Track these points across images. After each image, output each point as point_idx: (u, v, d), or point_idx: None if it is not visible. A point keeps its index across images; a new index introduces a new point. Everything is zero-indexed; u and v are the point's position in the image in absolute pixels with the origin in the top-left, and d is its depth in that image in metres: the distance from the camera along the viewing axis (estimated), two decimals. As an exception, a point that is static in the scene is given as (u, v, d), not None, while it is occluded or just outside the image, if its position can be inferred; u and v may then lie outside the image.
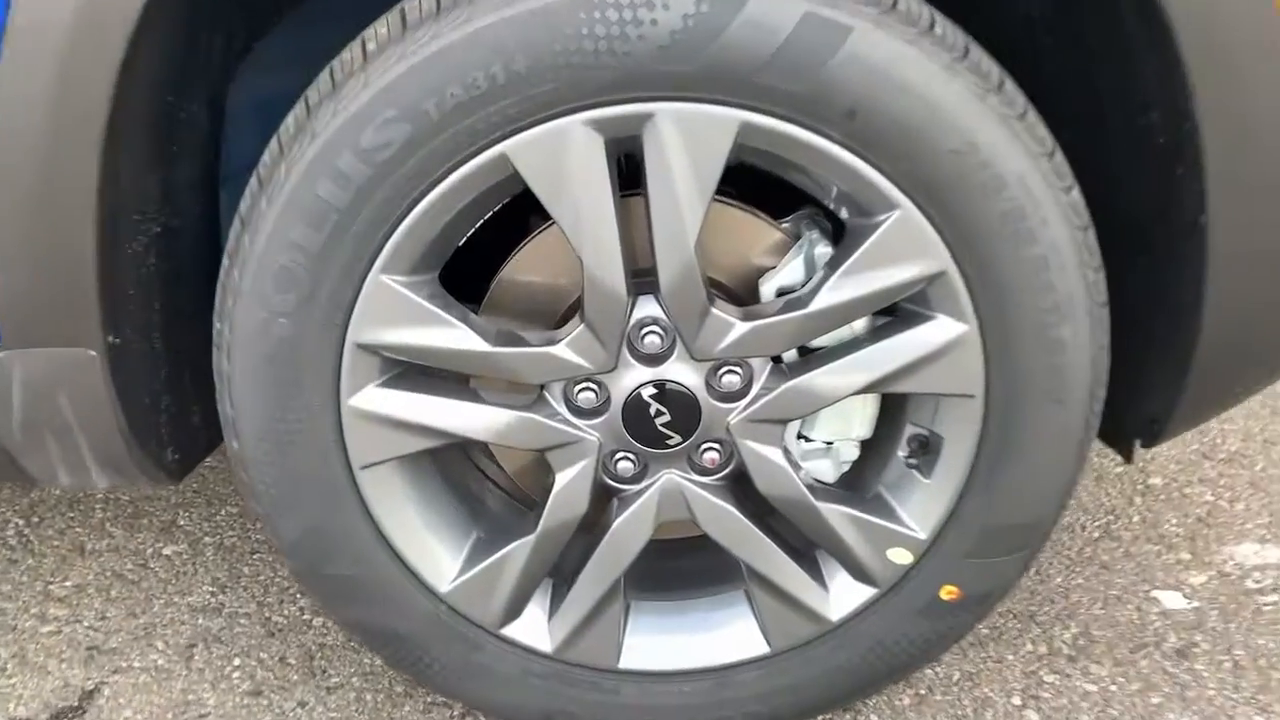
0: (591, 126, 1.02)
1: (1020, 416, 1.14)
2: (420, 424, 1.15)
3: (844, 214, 1.11)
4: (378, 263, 1.07)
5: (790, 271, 1.16)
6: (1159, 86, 1.07)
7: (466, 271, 1.23)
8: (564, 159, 1.03)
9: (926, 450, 1.21)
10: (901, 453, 1.23)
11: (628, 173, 1.10)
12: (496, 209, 1.13)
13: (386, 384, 1.14)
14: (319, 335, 1.09)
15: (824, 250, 1.16)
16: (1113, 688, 1.42)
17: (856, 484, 1.27)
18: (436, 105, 1.00)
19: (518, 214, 1.20)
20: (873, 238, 1.07)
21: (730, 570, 1.29)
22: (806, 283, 1.15)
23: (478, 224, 1.14)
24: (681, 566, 1.35)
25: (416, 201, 1.04)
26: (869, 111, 1.00)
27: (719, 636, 1.30)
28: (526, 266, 1.21)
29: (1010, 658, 1.48)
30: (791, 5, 0.97)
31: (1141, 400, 1.27)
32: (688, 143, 1.02)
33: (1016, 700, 1.41)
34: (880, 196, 1.05)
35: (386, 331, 1.10)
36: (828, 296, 1.09)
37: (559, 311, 1.23)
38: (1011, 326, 1.10)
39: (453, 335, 1.11)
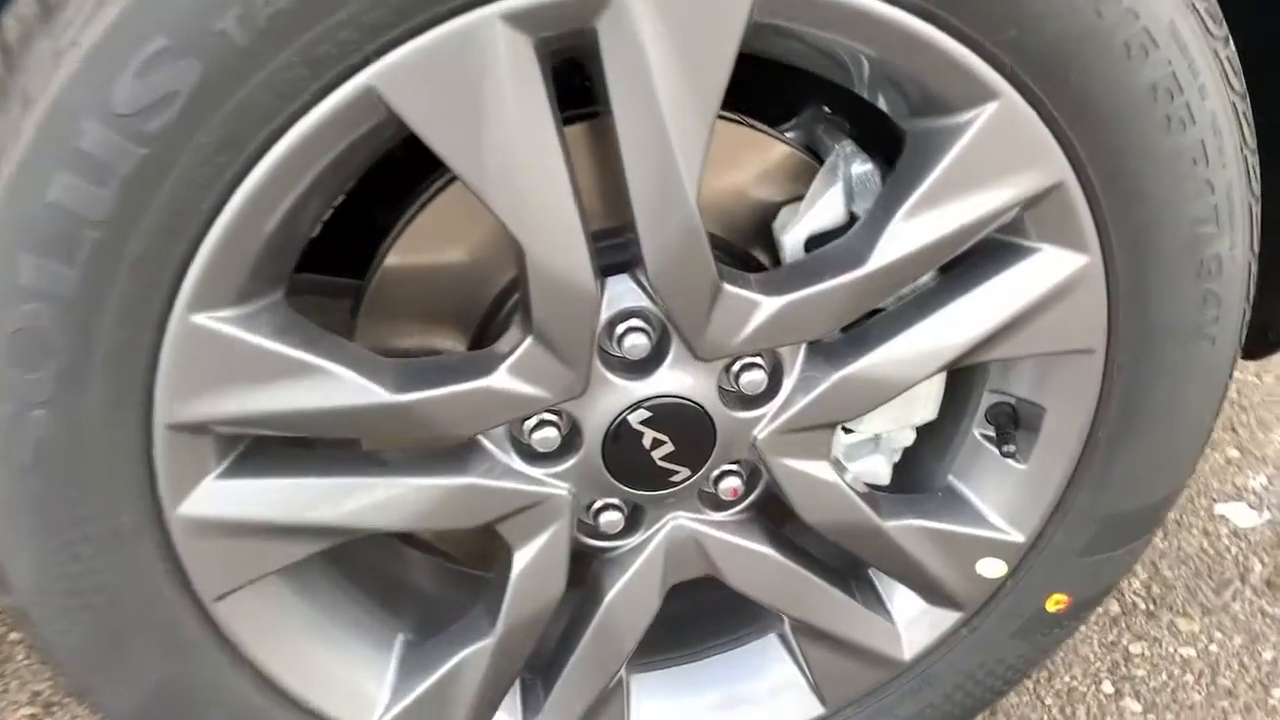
0: (513, 24, 0.60)
1: (1156, 368, 0.81)
2: (294, 524, 0.74)
3: (901, 114, 0.73)
4: (181, 296, 0.64)
5: (825, 208, 0.77)
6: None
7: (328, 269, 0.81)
8: (473, 82, 0.61)
9: (1017, 425, 0.87)
10: (980, 431, 0.89)
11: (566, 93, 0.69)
12: (362, 174, 0.71)
13: (229, 473, 0.72)
14: (105, 423, 0.66)
15: (863, 169, 0.78)
16: (1213, 648, 1.15)
17: (913, 477, 0.93)
18: (241, 19, 0.56)
19: (395, 173, 0.78)
20: (959, 146, 0.69)
21: (756, 606, 0.94)
22: (851, 223, 0.77)
23: (333, 203, 0.72)
24: (688, 607, 0.99)
25: (230, 190, 0.61)
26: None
27: (754, 700, 0.97)
28: (420, 246, 0.80)
29: (1081, 629, 1.19)
30: None
31: (1260, 307, 0.95)
32: (675, 30, 0.62)
33: (1108, 687, 1.13)
34: (971, 83, 0.67)
35: (216, 398, 0.68)
36: (895, 242, 0.72)
37: (478, 314, 0.82)
38: (1152, 250, 0.75)
39: (326, 385, 0.69)
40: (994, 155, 0.70)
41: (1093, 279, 0.76)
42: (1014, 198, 0.72)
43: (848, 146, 0.78)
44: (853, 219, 0.78)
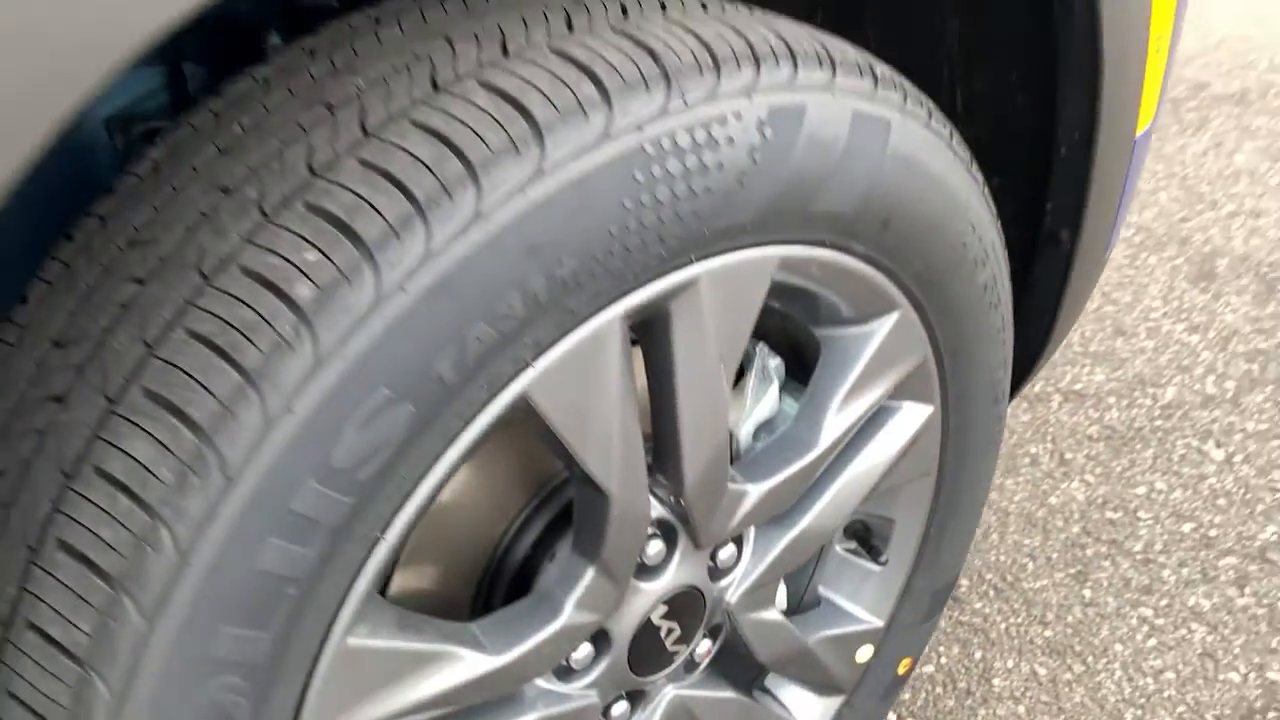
0: (626, 318, 0.69)
1: (968, 474, 1.08)
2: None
3: (816, 322, 0.92)
4: (339, 624, 0.63)
5: (766, 402, 0.93)
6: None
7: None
8: (593, 372, 0.69)
9: (872, 536, 1.09)
10: (841, 547, 1.10)
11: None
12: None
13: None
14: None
15: (776, 362, 0.95)
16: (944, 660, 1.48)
17: (792, 597, 1.12)
18: (454, 360, 0.59)
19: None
20: (872, 347, 0.90)
21: None
22: (780, 413, 0.94)
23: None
24: None
25: (396, 514, 0.63)
26: (901, 217, 0.82)
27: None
28: (457, 498, 0.82)
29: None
30: (840, 106, 0.74)
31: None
32: (725, 300, 0.75)
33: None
34: (881, 300, 0.88)
35: (361, 706, 0.67)
36: (834, 427, 0.90)
37: (489, 554, 0.85)
38: (971, 392, 1.02)
39: (449, 665, 0.71)
40: (893, 349, 0.92)
41: (934, 421, 1.01)
42: (901, 375, 0.94)
43: (763, 347, 0.95)
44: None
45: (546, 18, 0.66)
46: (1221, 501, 1.75)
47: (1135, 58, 1.00)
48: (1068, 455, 1.87)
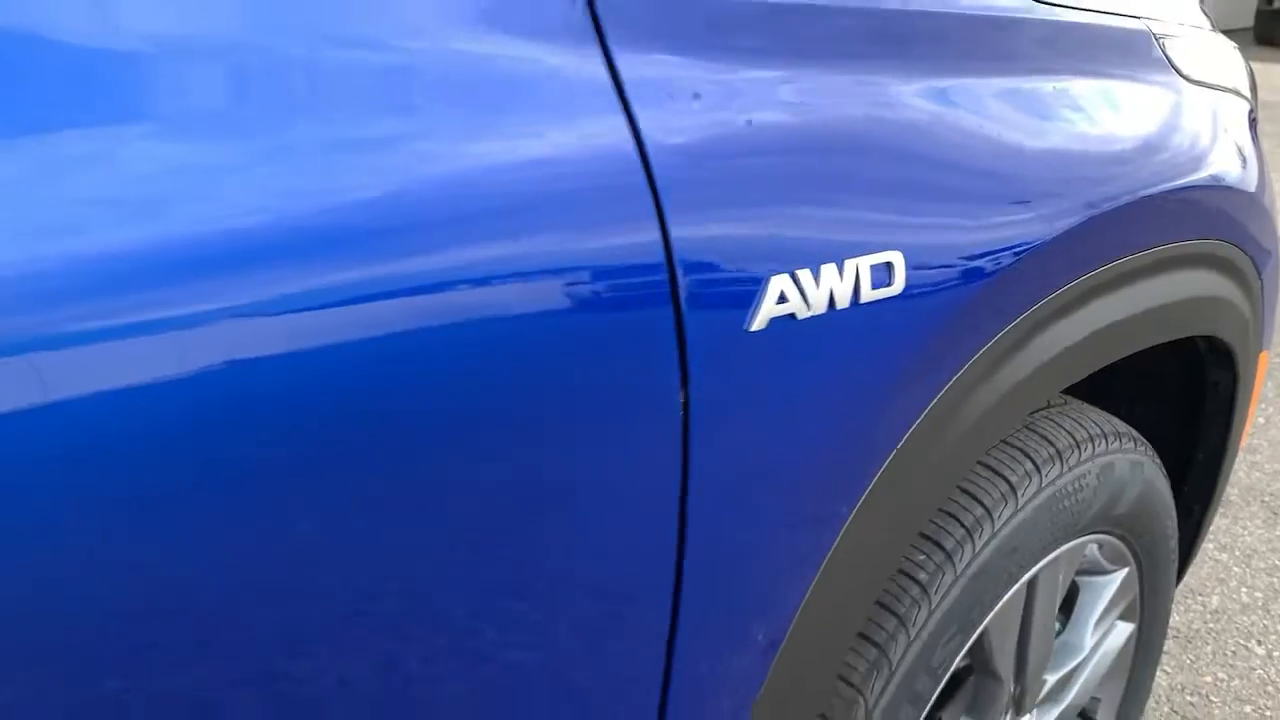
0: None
1: (1147, 666, 1.63)
2: None
3: (1077, 575, 1.48)
4: None
5: (1048, 624, 1.49)
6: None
7: None
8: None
9: (1089, 711, 1.63)
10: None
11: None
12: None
13: None
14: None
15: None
16: None
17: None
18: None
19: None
20: (1113, 587, 1.46)
21: None
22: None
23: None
24: None
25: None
26: (1143, 512, 1.40)
27: None
28: None
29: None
30: (1125, 459, 1.33)
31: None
32: (1066, 565, 1.31)
33: None
34: (1121, 559, 1.45)
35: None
36: (1090, 637, 1.46)
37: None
38: (1155, 611, 1.58)
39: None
40: (1122, 590, 1.48)
41: (1134, 634, 1.56)
42: (1125, 604, 1.50)
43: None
44: (1047, 624, 1.50)
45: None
46: (1270, 689, 2.30)
47: (1245, 409, 1.61)
48: (1146, 650, 2.42)
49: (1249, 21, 13.23)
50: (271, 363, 0.54)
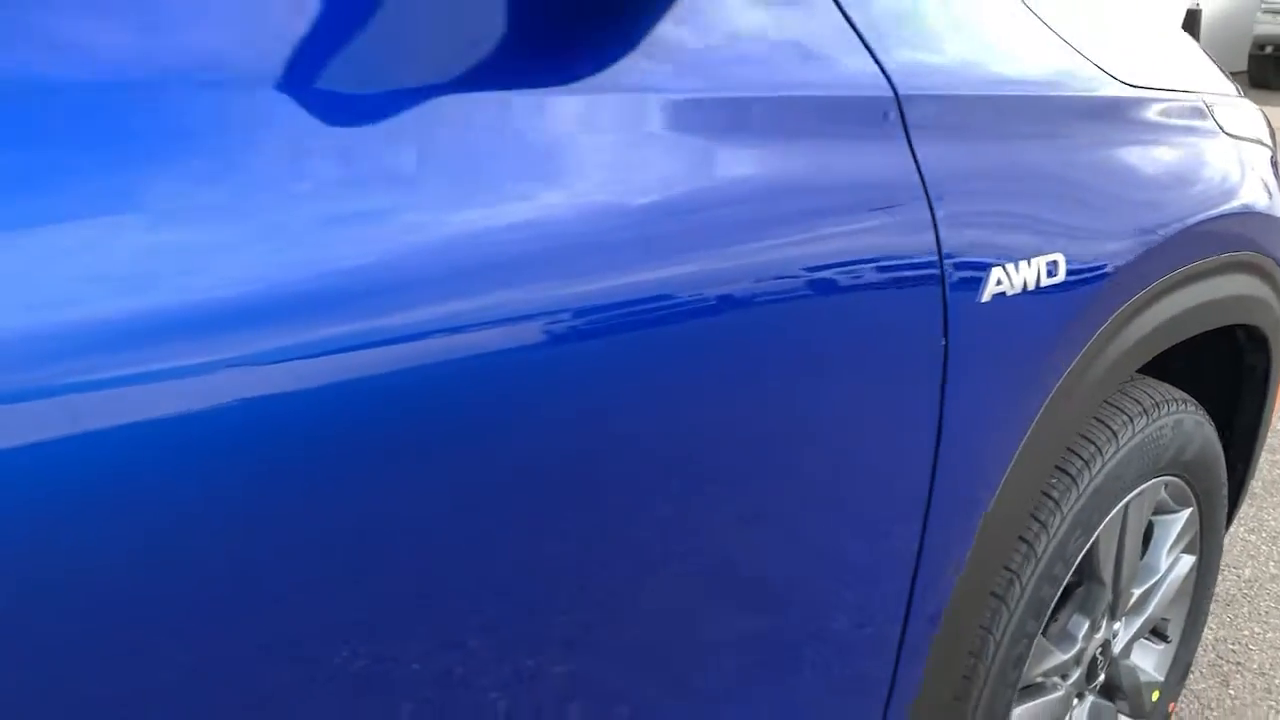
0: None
1: (1204, 594, 2.05)
2: None
3: (1152, 515, 1.91)
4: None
5: (1130, 552, 1.92)
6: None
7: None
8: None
9: (1159, 629, 2.05)
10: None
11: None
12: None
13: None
14: None
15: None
16: None
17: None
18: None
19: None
20: (1180, 524, 1.89)
21: None
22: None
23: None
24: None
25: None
26: (1204, 458, 1.83)
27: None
28: None
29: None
30: (1194, 419, 1.76)
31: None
32: (1147, 500, 1.74)
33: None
34: (1186, 500, 1.88)
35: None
36: (1164, 562, 1.88)
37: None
38: (1211, 545, 2.00)
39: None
40: (1187, 526, 1.90)
41: (1196, 565, 1.99)
42: (1188, 540, 1.92)
43: (1121, 525, 1.95)
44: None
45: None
46: (1299, 639, 2.71)
47: (1276, 387, 2.05)
48: (1191, 612, 2.82)
49: (1243, 65, 13.81)
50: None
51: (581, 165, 0.82)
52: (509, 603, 0.79)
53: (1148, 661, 2.05)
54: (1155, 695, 2.04)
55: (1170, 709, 2.10)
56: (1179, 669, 2.08)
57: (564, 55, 0.84)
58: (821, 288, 1.01)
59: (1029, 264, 1.23)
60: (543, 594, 0.81)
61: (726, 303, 0.89)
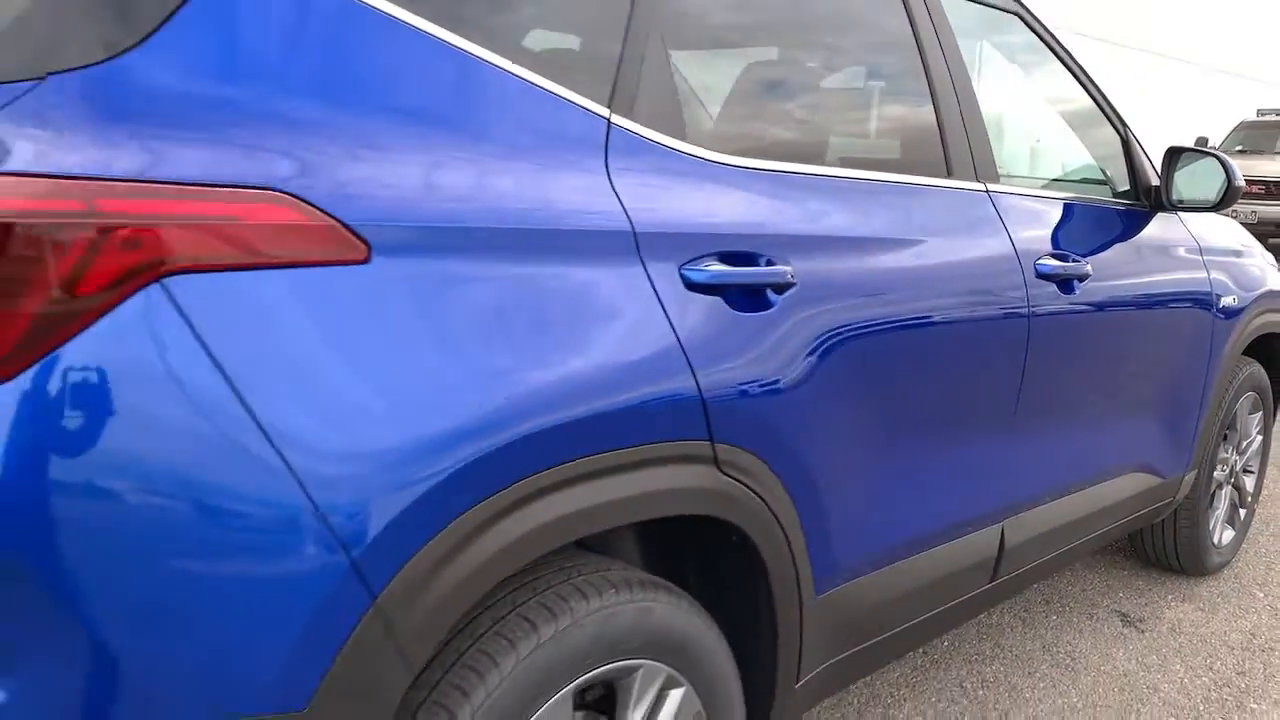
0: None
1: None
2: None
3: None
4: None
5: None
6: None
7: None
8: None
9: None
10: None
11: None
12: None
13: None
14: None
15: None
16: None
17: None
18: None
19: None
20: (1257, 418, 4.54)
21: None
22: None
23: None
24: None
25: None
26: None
27: None
28: None
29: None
30: (1257, 372, 4.46)
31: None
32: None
33: None
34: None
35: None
36: (1250, 427, 4.52)
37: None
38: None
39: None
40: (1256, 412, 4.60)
41: (1265, 427, 4.64)
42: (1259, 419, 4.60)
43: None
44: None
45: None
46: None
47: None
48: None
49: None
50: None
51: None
52: (1039, 402, 2.73)
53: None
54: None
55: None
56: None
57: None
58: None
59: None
60: (1052, 400, 2.80)
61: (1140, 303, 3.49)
